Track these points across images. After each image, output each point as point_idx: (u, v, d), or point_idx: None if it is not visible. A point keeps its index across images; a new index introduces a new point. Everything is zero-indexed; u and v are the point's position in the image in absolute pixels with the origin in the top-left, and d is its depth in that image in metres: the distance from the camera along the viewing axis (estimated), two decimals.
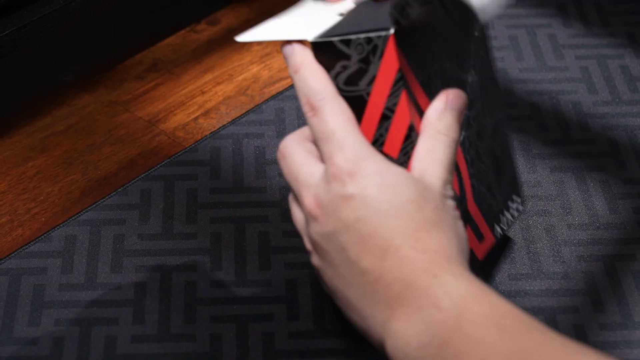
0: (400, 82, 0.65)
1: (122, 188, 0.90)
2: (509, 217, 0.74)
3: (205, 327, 0.79)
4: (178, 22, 1.09)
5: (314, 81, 0.66)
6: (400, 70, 0.65)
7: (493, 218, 0.72)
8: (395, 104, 0.65)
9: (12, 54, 0.92)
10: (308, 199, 0.66)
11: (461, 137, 0.69)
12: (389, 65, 0.65)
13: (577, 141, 0.95)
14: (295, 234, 0.86)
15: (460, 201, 0.68)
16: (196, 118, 0.97)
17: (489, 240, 0.72)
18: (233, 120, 0.97)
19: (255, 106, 0.98)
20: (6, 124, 0.97)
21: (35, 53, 1.04)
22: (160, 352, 0.77)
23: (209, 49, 1.05)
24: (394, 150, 0.66)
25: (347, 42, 0.66)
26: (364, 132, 0.66)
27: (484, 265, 0.70)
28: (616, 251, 0.85)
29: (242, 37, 0.71)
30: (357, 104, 0.66)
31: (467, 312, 0.60)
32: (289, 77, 1.02)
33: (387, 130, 0.66)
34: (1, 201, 0.89)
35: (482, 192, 0.71)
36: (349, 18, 0.69)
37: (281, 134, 0.95)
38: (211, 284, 0.82)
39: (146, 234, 0.86)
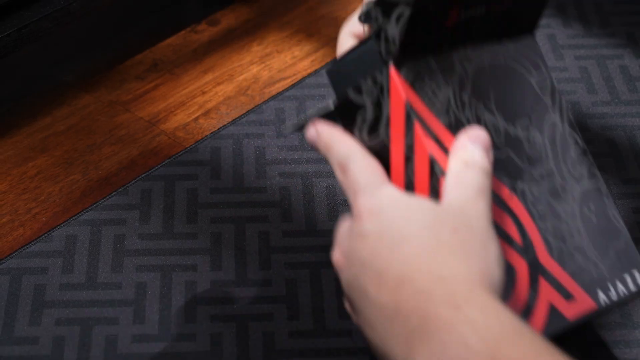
0: (411, 114, 0.65)
1: (122, 188, 0.90)
2: (623, 289, 0.72)
3: (206, 326, 0.79)
4: (178, 23, 1.09)
5: (342, 147, 0.67)
6: (407, 102, 0.65)
7: (592, 283, 0.69)
8: (412, 140, 0.65)
9: (12, 54, 0.92)
10: (336, 254, 0.65)
11: (517, 185, 0.68)
12: (396, 100, 0.66)
13: None
14: (295, 234, 0.86)
15: (524, 250, 0.67)
16: (196, 118, 0.98)
17: (586, 303, 0.69)
18: (233, 120, 0.97)
19: (256, 106, 0.98)
20: (7, 124, 0.97)
21: (36, 53, 1.04)
22: (160, 351, 0.77)
23: (209, 49, 1.06)
24: (424, 191, 0.66)
25: (358, 90, 0.67)
26: (395, 182, 0.67)
27: (572, 325, 0.69)
28: None
29: (287, 128, 0.73)
30: (383, 154, 0.67)
31: (501, 355, 0.56)
32: (289, 77, 1.02)
33: (412, 171, 0.66)
34: (2, 201, 0.89)
35: (567, 251, 0.69)
36: (348, 67, 0.70)
37: (281, 134, 0.95)
38: (211, 283, 0.82)
39: (146, 233, 0.86)
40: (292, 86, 1.00)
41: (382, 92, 0.66)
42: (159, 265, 0.83)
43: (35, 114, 0.98)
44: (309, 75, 1.02)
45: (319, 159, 0.92)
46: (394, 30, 0.65)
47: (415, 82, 0.66)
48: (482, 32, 0.70)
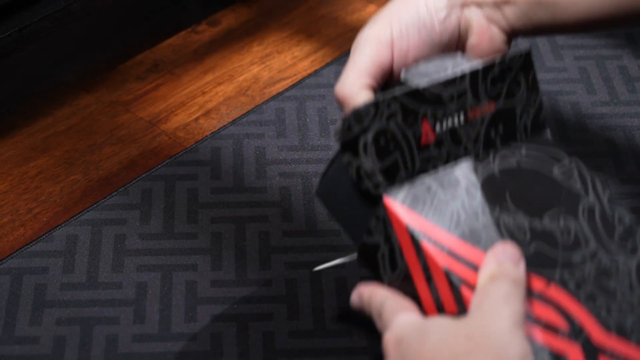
0: (415, 235, 0.66)
1: (123, 188, 0.90)
2: None
3: (206, 326, 0.79)
4: (179, 23, 1.09)
5: (377, 299, 0.68)
6: (408, 226, 0.66)
7: None
8: (425, 260, 0.66)
9: (13, 54, 0.92)
10: None
11: (554, 274, 0.68)
12: (399, 227, 0.67)
13: (576, 141, 0.95)
14: (295, 234, 0.86)
15: (574, 334, 0.67)
16: (197, 118, 0.98)
17: None
18: (233, 120, 0.97)
19: (256, 106, 0.99)
20: (8, 124, 0.97)
21: (37, 53, 1.04)
22: (161, 351, 0.77)
23: (210, 49, 1.06)
24: (452, 305, 0.66)
25: (369, 232, 0.68)
26: (427, 307, 0.68)
27: None
28: None
29: (318, 267, 0.79)
30: (409, 284, 0.68)
31: None
32: (289, 77, 1.02)
33: (436, 290, 0.67)
34: (3, 201, 0.90)
35: (631, 322, 0.69)
36: (331, 186, 0.72)
37: (281, 134, 0.95)
38: (211, 283, 0.82)
39: (147, 233, 0.86)
40: (292, 86, 1.00)
41: (385, 225, 0.67)
42: (160, 265, 0.83)
43: (36, 114, 0.98)
44: (309, 75, 1.02)
45: (319, 159, 0.93)
46: (368, 162, 0.66)
47: (415, 205, 0.67)
48: (477, 141, 0.71)
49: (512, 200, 0.69)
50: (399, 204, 0.66)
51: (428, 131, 0.68)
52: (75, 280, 0.82)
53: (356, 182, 0.67)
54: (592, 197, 0.71)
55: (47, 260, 0.84)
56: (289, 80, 1.02)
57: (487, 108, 0.71)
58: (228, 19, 1.10)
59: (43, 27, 0.93)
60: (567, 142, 0.95)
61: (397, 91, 0.67)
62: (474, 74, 0.69)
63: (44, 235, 0.86)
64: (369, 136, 0.66)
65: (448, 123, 0.69)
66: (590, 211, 0.70)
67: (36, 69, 1.04)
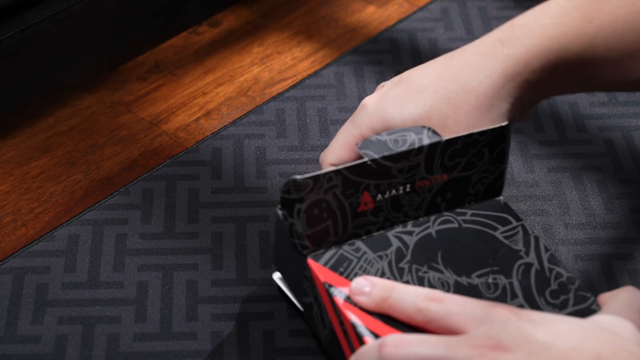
0: (330, 291, 0.69)
1: (124, 188, 0.90)
2: None
3: (207, 325, 0.79)
4: (179, 24, 1.10)
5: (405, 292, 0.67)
6: (325, 283, 0.69)
7: None
8: (340, 315, 0.68)
9: (15, 55, 0.93)
10: None
11: None
12: (319, 285, 0.69)
13: (574, 142, 0.95)
14: None
15: None
16: (197, 119, 0.98)
17: None
18: (234, 120, 0.97)
19: (256, 107, 0.99)
20: (10, 124, 0.97)
21: (39, 54, 1.05)
22: (162, 350, 0.78)
23: (210, 50, 1.06)
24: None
25: (305, 293, 0.71)
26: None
27: None
28: (613, 250, 0.86)
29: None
30: (334, 341, 0.70)
31: None
32: (289, 78, 1.03)
33: (352, 343, 0.68)
34: (5, 201, 0.90)
35: None
36: (278, 255, 0.75)
37: (281, 134, 0.95)
38: (212, 282, 0.83)
39: (148, 233, 0.86)
40: (293, 87, 1.01)
41: (312, 286, 0.70)
42: (161, 265, 0.84)
43: (38, 114, 0.99)
44: (309, 76, 1.02)
45: (319, 159, 0.93)
46: (299, 225, 0.69)
47: (338, 265, 0.70)
48: (419, 207, 0.72)
49: (443, 260, 0.71)
50: (320, 266, 0.69)
51: (367, 200, 0.71)
52: (76, 279, 0.83)
53: (289, 235, 0.70)
54: (532, 257, 0.72)
55: (48, 260, 0.84)
56: (289, 80, 1.02)
57: (440, 179, 0.72)
58: (229, 20, 1.10)
59: (45, 29, 0.93)
60: (566, 143, 0.95)
61: (342, 165, 0.69)
62: (432, 147, 0.71)
63: (45, 234, 0.86)
64: (303, 205, 0.69)
65: (392, 192, 0.71)
66: (526, 269, 0.71)
67: (38, 70, 1.04)
